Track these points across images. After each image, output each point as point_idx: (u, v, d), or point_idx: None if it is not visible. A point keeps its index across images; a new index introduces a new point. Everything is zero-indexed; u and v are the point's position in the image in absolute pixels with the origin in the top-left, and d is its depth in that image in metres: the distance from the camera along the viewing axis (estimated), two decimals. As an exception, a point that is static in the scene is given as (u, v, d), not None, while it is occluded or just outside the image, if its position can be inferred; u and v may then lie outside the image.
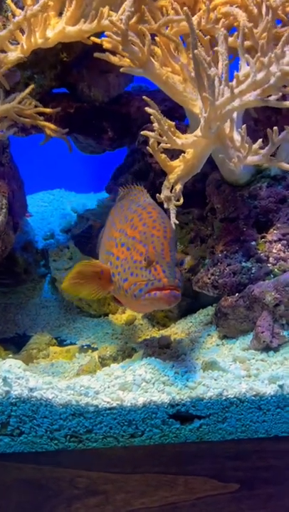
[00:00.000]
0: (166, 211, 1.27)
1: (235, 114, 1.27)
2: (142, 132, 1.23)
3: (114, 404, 1.12)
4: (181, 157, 1.25)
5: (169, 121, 1.23)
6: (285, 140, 1.23)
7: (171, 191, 1.21)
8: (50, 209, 2.34)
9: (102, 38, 1.34)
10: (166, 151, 1.26)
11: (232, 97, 1.12)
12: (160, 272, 1.16)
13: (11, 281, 1.80)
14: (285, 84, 1.11)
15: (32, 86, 1.40)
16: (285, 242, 1.41)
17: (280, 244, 1.40)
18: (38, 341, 1.57)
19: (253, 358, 1.28)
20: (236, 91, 1.12)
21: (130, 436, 1.14)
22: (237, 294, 1.39)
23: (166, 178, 1.25)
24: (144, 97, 1.24)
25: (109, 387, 1.16)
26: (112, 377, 1.20)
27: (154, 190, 1.32)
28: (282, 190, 1.46)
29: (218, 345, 1.41)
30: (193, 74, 1.18)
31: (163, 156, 1.22)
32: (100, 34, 1.39)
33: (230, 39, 1.26)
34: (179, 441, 1.15)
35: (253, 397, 1.15)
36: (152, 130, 1.23)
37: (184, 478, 1.12)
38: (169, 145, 1.19)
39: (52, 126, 1.48)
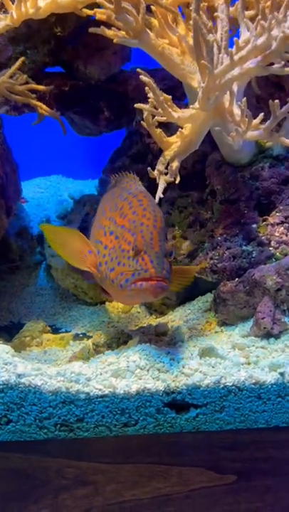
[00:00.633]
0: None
1: (235, 88, 1.22)
2: (136, 105, 1.17)
3: (107, 392, 1.09)
4: (178, 133, 1.20)
5: (166, 95, 1.18)
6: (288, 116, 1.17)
7: (166, 168, 1.15)
8: (46, 195, 2.32)
9: (96, 9, 1.29)
10: (164, 129, 1.20)
11: (232, 65, 1.06)
12: (148, 262, 1.13)
13: (4, 267, 1.78)
14: (287, 50, 1.05)
15: (23, 58, 1.35)
16: (287, 225, 1.38)
17: (282, 228, 1.37)
18: (32, 329, 1.54)
19: (253, 345, 1.25)
20: (236, 57, 1.06)
21: (123, 425, 1.12)
22: (237, 279, 1.36)
23: (162, 155, 1.19)
24: (138, 69, 1.19)
25: (101, 374, 1.14)
26: (105, 364, 1.17)
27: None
28: (285, 170, 1.42)
29: (216, 332, 1.39)
30: (192, 43, 1.11)
31: (158, 130, 1.17)
32: (94, 7, 1.34)
33: (231, 8, 1.20)
34: (175, 431, 1.13)
35: (253, 386, 1.12)
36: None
37: (178, 469, 1.10)
38: (164, 118, 1.13)
39: (44, 106, 1.43)
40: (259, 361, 1.18)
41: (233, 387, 1.11)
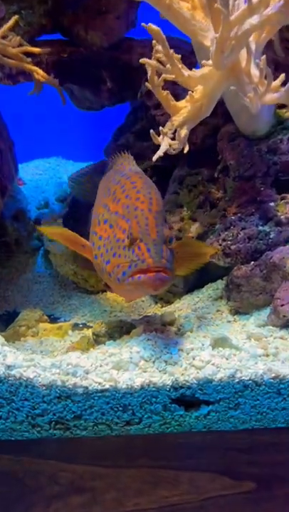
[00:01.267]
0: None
1: (253, 46, 1.10)
2: (141, 60, 1.06)
3: (107, 386, 1.04)
4: (188, 96, 1.12)
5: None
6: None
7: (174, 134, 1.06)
8: (45, 177, 2.30)
9: None
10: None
11: (249, 9, 0.95)
12: (144, 251, 1.07)
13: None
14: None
15: (16, 17, 1.29)
16: (308, 203, 1.33)
17: (302, 206, 1.33)
18: (28, 318, 1.48)
19: (271, 335, 1.19)
20: (254, 0, 0.94)
21: (126, 423, 1.07)
22: (252, 263, 1.30)
23: (169, 120, 1.09)
24: (142, 24, 1.07)
25: (101, 366, 1.08)
26: (106, 355, 1.12)
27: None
28: (306, 143, 1.37)
29: (229, 321, 1.33)
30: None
31: (165, 92, 1.08)
32: None
33: None
34: (183, 430, 1.08)
35: (272, 380, 1.06)
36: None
37: (188, 475, 1.03)
38: (172, 76, 1.02)
39: (41, 71, 1.33)
40: (279, 353, 1.11)
41: (250, 381, 1.05)
